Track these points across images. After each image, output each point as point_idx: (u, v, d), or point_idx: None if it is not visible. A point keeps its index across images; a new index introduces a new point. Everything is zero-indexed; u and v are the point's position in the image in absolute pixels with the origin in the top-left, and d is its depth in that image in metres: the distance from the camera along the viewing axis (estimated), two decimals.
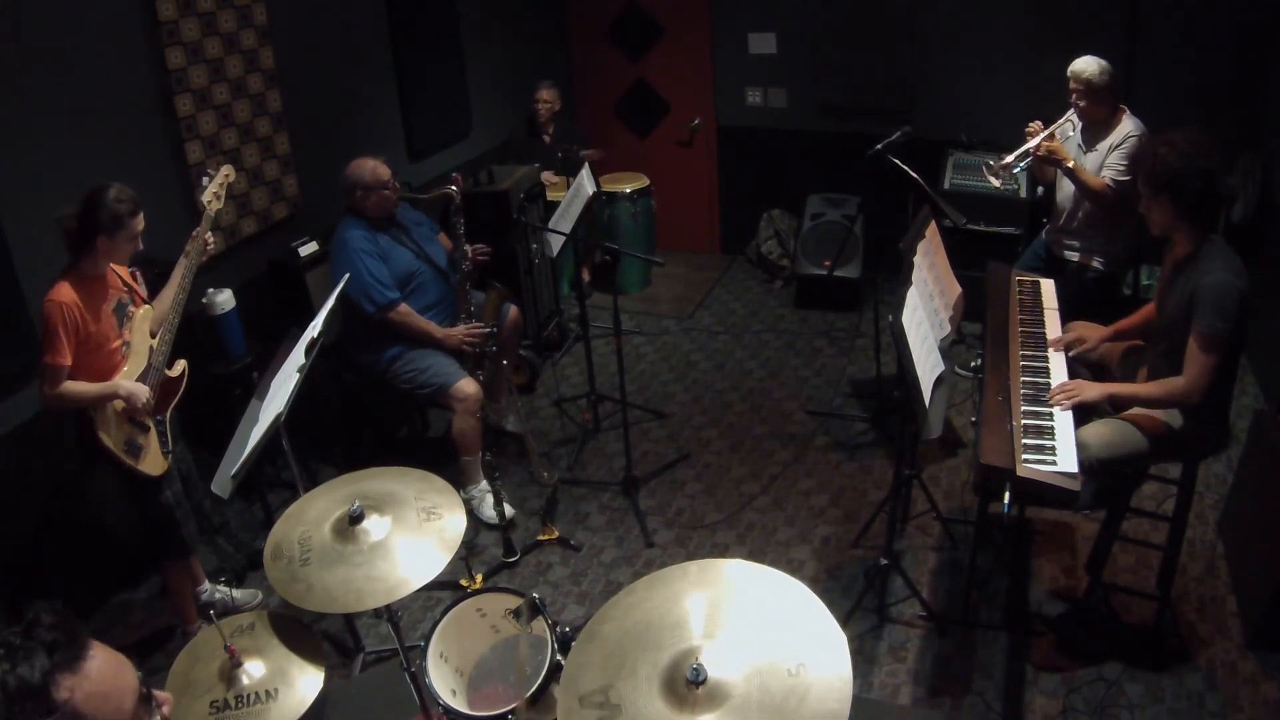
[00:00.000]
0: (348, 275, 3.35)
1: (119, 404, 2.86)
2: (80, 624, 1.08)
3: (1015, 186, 4.96)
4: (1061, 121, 3.76)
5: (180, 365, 3.08)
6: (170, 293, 3.03)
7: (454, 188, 3.70)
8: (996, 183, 3.96)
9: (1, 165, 3.11)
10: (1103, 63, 3.62)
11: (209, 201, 3.10)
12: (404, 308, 3.76)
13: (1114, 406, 2.94)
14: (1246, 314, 2.58)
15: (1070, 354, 3.01)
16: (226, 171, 3.23)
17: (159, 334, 2.99)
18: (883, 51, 5.51)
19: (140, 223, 2.79)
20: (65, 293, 2.72)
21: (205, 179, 3.18)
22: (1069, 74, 3.69)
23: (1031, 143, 3.71)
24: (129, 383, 2.86)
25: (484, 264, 3.94)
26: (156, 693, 1.14)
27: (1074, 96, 3.69)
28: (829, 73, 5.70)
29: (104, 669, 1.07)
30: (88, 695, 1.04)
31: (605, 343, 5.13)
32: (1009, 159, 3.77)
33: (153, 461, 2.96)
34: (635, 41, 6.27)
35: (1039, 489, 2.50)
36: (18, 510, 3.29)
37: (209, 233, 3.06)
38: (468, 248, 3.83)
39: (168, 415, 3.03)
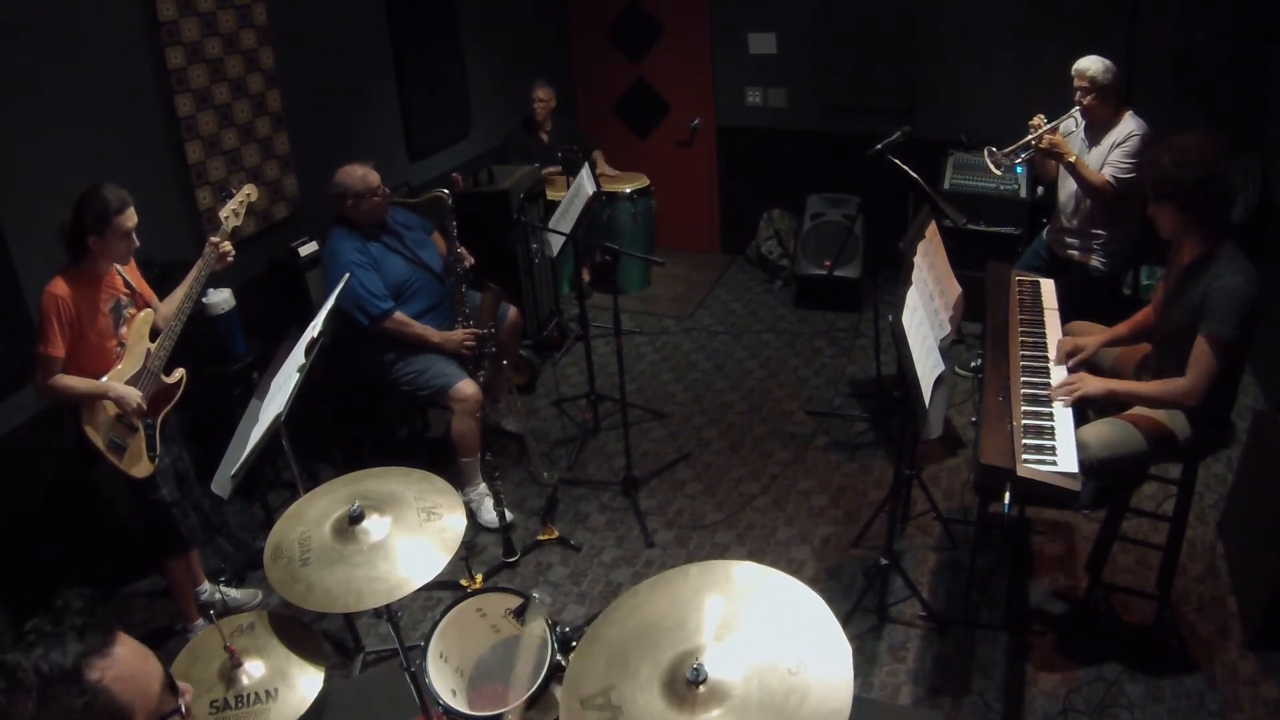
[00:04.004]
0: (347, 275, 3.34)
1: (110, 406, 2.86)
2: (106, 614, 1.12)
3: (1015, 186, 4.96)
4: (1064, 117, 3.78)
5: (179, 373, 3.08)
6: (181, 291, 3.03)
7: (444, 190, 3.68)
8: (997, 171, 3.98)
9: (1, 165, 3.12)
10: (1107, 62, 3.64)
11: (226, 218, 3.11)
12: (399, 316, 3.74)
13: (1115, 404, 2.94)
14: (1256, 321, 2.58)
15: (1070, 364, 2.99)
16: (248, 190, 3.24)
17: (159, 339, 2.99)
18: (883, 51, 5.51)
19: (129, 220, 2.78)
20: (60, 286, 2.74)
21: (226, 196, 3.19)
22: (1074, 72, 3.70)
23: (1033, 135, 3.72)
24: (121, 385, 2.86)
25: (474, 262, 3.93)
26: (180, 683, 1.17)
27: (1078, 94, 3.71)
28: (829, 73, 5.70)
29: (131, 656, 1.12)
30: (117, 677, 1.08)
31: (605, 343, 5.13)
32: (1011, 148, 3.80)
33: (137, 463, 2.96)
34: (635, 41, 6.27)
35: (1039, 489, 2.50)
36: (19, 509, 3.29)
37: (227, 242, 3.05)
38: (461, 250, 3.82)
39: (158, 420, 3.02)
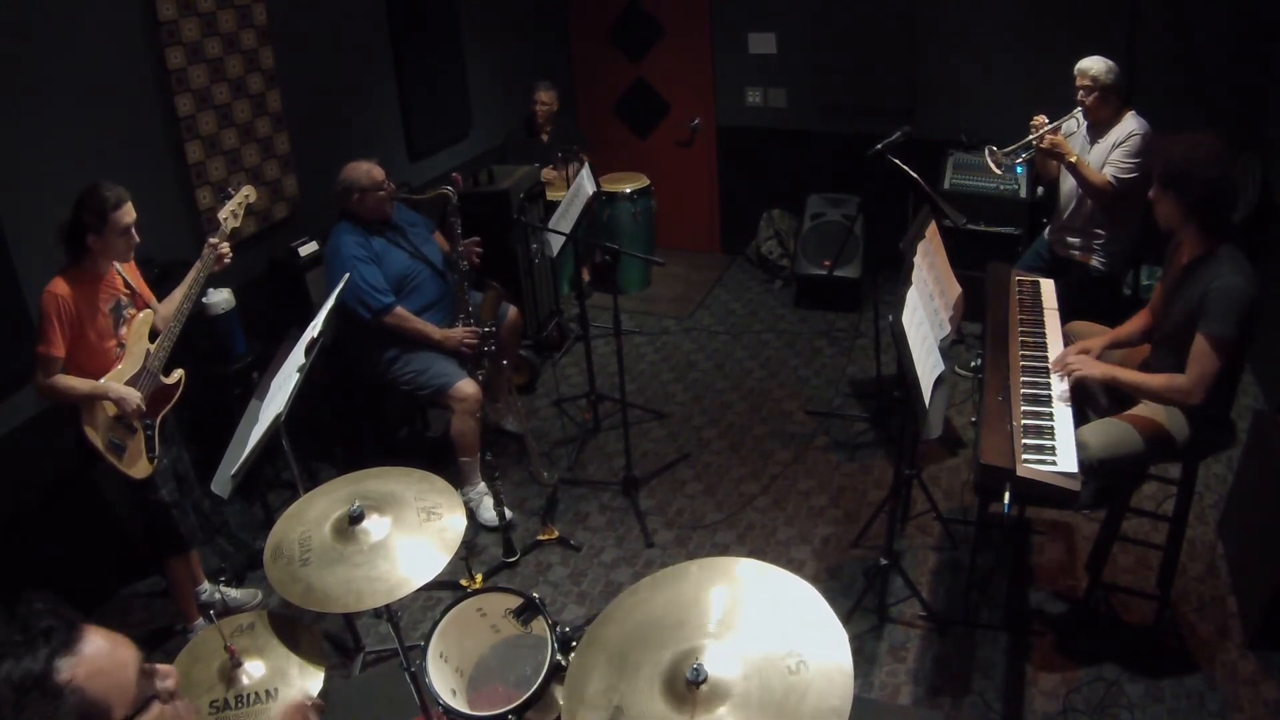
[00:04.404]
0: (347, 275, 3.34)
1: (109, 406, 2.86)
2: (70, 609, 1.10)
3: (1015, 186, 4.96)
4: (1066, 118, 3.78)
5: (177, 374, 3.08)
6: (179, 292, 3.03)
7: (450, 188, 3.70)
8: (997, 171, 3.99)
9: (2, 165, 3.12)
10: (1110, 62, 3.65)
11: (225, 219, 3.11)
12: (400, 311, 3.75)
13: (1113, 397, 2.94)
14: (1255, 321, 2.58)
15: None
16: (247, 192, 3.23)
17: (159, 339, 2.99)
18: (883, 51, 5.51)
19: (126, 215, 2.77)
20: (60, 286, 2.74)
21: (225, 197, 3.18)
22: (1076, 71, 3.71)
23: (1034, 135, 3.72)
24: (120, 386, 2.86)
25: (478, 262, 3.93)
26: (158, 666, 1.15)
27: (1080, 94, 3.71)
28: (829, 73, 5.70)
29: (101, 647, 1.09)
30: (90, 674, 1.06)
31: (605, 343, 5.13)
32: (1012, 148, 3.80)
33: (136, 464, 2.95)
34: (635, 41, 6.27)
35: (1039, 489, 2.50)
36: (19, 509, 3.29)
37: (225, 244, 3.04)
38: (466, 246, 3.82)
39: (157, 421, 3.02)
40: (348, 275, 3.35)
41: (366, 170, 3.69)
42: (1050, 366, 2.81)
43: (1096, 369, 2.79)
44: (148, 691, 1.12)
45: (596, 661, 1.55)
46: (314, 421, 3.92)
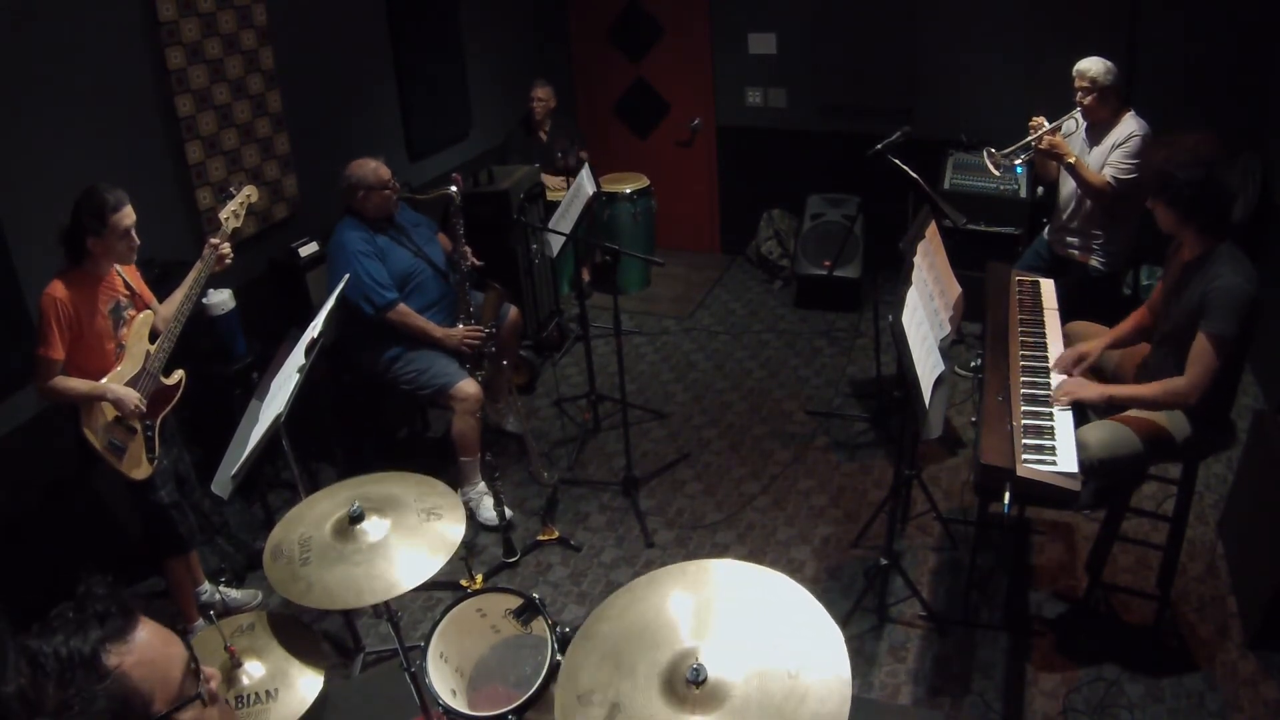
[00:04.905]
0: (347, 276, 3.34)
1: (109, 408, 2.86)
2: (129, 598, 1.12)
3: (1015, 186, 4.96)
4: (1065, 118, 3.78)
5: (177, 375, 3.08)
6: (180, 293, 3.03)
7: (454, 188, 3.70)
8: (997, 172, 3.99)
9: (2, 166, 3.12)
10: (1108, 63, 3.65)
11: (226, 219, 3.11)
12: (403, 308, 3.76)
13: (1114, 408, 2.94)
14: (1256, 320, 2.58)
15: (1077, 371, 2.98)
16: (249, 192, 3.23)
17: (159, 340, 2.98)
18: (883, 52, 5.51)
19: (127, 218, 2.77)
20: (59, 289, 2.74)
21: (226, 197, 3.17)
22: (1075, 72, 3.71)
23: (1033, 135, 3.73)
24: (118, 387, 2.86)
25: (481, 264, 3.94)
26: (205, 668, 1.17)
27: (1079, 95, 3.71)
28: (829, 73, 5.70)
29: (152, 640, 1.13)
30: (137, 663, 1.09)
31: (605, 343, 5.13)
32: (1011, 149, 3.80)
33: (136, 466, 2.95)
34: (635, 41, 6.27)
35: (1039, 489, 2.50)
36: (19, 509, 3.29)
37: (226, 244, 3.04)
38: (466, 248, 3.83)
39: (157, 422, 3.02)
40: (348, 275, 3.35)
41: (374, 168, 3.69)
42: (1051, 399, 2.81)
43: (1091, 391, 2.79)
44: (190, 691, 1.14)
45: (590, 659, 1.55)
46: (314, 421, 3.91)
